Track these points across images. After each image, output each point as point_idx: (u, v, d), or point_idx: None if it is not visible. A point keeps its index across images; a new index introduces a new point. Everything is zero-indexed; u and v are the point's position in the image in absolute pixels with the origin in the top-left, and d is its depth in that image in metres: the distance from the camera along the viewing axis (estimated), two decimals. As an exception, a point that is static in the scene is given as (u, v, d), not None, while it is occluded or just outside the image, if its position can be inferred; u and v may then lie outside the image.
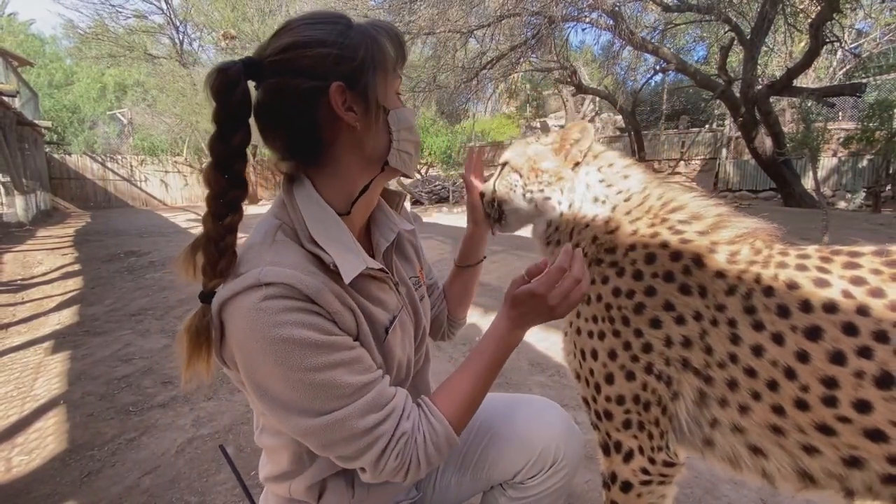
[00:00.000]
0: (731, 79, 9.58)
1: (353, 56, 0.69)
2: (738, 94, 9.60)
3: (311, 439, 0.69)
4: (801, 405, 0.70)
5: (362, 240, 0.84)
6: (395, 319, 0.81)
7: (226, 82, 0.65)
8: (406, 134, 0.78)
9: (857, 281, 0.69)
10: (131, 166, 16.11)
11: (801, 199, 9.68)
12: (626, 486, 0.89)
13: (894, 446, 0.63)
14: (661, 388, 0.83)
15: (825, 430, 0.69)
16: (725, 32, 10.44)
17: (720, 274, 0.79)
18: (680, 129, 16.40)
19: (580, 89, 12.57)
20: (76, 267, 5.64)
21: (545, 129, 18.86)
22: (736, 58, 11.51)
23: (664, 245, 0.85)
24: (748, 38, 9.15)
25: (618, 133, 17.69)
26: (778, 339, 0.72)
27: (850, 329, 0.67)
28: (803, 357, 0.70)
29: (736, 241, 0.83)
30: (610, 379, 0.87)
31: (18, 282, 5.03)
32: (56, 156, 14.99)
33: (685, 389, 0.82)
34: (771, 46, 10.86)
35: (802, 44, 11.15)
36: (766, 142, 9.71)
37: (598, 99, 16.11)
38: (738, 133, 10.89)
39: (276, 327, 0.63)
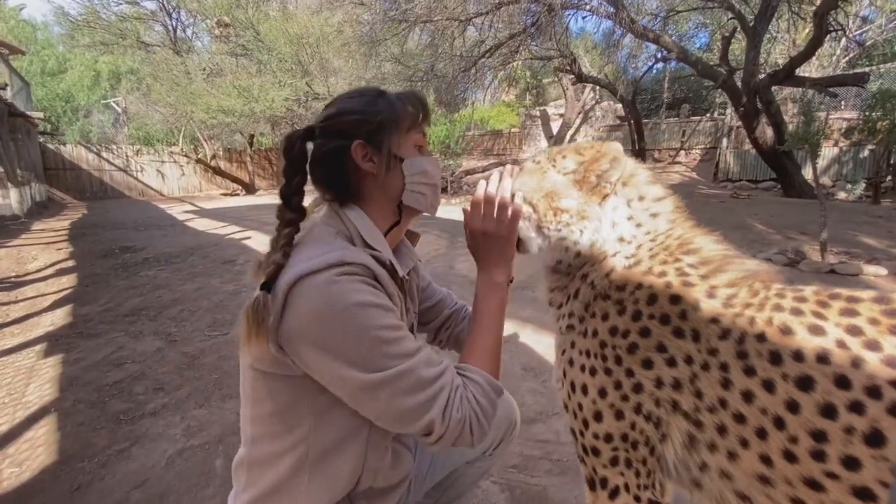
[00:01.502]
0: (732, 69, 9.45)
1: (374, 119, 0.88)
2: (739, 84, 9.47)
3: (382, 392, 0.75)
4: (790, 457, 0.68)
5: None
6: (412, 328, 1.01)
7: (289, 144, 0.88)
8: (419, 178, 0.93)
9: (853, 331, 0.67)
10: (127, 156, 15.97)
11: (802, 190, 9.63)
12: None
13: None
14: (650, 428, 0.82)
15: (813, 484, 0.67)
16: (728, 20, 10.26)
17: (715, 319, 0.77)
18: (681, 118, 16.24)
19: (580, 78, 12.40)
20: (70, 263, 5.61)
21: (545, 118, 18.67)
22: (738, 46, 11.33)
23: (668, 286, 0.82)
24: (751, 25, 8.99)
25: (618, 122, 17.53)
26: (769, 386, 0.70)
27: (842, 382, 0.64)
28: (793, 407, 0.67)
29: (735, 283, 0.81)
30: (598, 416, 0.86)
31: (13, 279, 5.01)
32: (51, 146, 14.83)
33: (674, 432, 0.80)
34: (774, 34, 10.69)
35: (806, 31, 10.97)
36: (767, 132, 9.62)
37: (598, 87, 15.92)
38: (740, 123, 10.79)
39: (353, 293, 0.75)
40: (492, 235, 0.93)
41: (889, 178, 9.72)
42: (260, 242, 6.46)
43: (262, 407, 0.85)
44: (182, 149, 15.86)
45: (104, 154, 15.56)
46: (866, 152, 10.53)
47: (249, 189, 16.83)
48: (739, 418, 0.72)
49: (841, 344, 0.66)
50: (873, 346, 0.64)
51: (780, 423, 0.68)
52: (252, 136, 17.43)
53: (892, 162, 9.57)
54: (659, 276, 0.84)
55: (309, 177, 0.90)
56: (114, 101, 20.56)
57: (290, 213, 0.86)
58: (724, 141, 13.03)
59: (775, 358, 0.70)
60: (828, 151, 10.81)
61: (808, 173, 10.06)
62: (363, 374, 0.74)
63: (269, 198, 14.26)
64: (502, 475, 1.77)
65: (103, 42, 16.17)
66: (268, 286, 0.77)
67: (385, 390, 0.75)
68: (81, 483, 1.80)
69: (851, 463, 0.63)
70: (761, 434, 0.70)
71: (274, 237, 0.85)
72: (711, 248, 0.88)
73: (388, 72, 12.39)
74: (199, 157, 16.30)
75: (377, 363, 0.75)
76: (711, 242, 0.89)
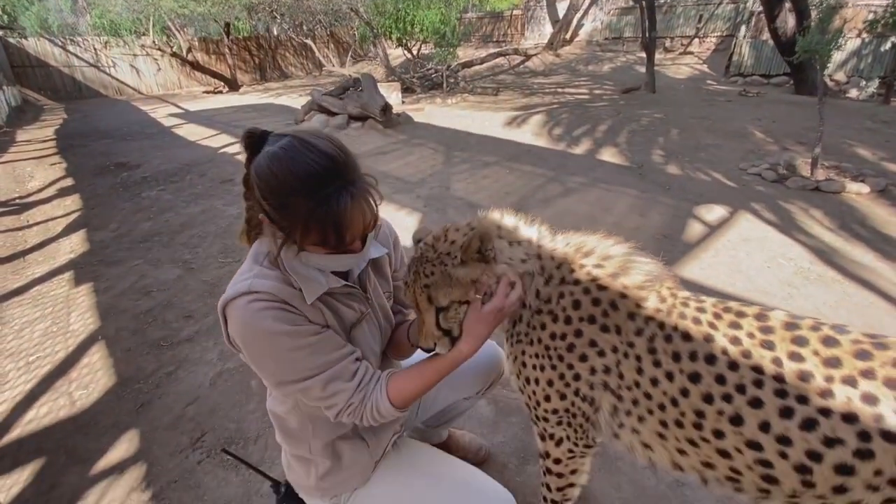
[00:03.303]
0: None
1: (281, 220, 0.92)
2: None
3: (293, 395, 1.02)
4: (679, 424, 0.94)
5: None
6: (361, 319, 1.12)
7: (248, 145, 0.96)
8: (315, 262, 1.00)
9: (735, 341, 0.88)
10: (95, 50, 14.67)
11: (815, 87, 9.17)
12: (557, 460, 1.23)
13: (735, 462, 0.89)
14: (586, 406, 1.09)
15: (692, 443, 0.94)
16: None
17: (631, 316, 0.99)
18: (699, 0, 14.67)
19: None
20: (69, 182, 5.64)
21: (550, -3, 16.78)
22: None
23: (586, 291, 1.03)
24: None
25: (631, 3, 15.84)
26: (670, 376, 0.94)
27: (720, 379, 0.87)
28: (685, 393, 0.92)
29: (644, 286, 1.00)
30: (547, 399, 1.13)
31: (17, 200, 5.10)
32: (12, 41, 13.54)
33: (604, 404, 1.07)
34: None
35: None
36: (788, 20, 8.86)
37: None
38: (761, 8, 9.86)
39: (259, 321, 0.93)
40: (491, 317, 1.05)
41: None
42: (255, 157, 6.39)
43: (267, 390, 1.12)
44: (154, 41, 14.51)
45: (70, 48, 14.28)
46: (888, 45, 9.82)
47: (232, 85, 15.81)
48: (647, 396, 0.98)
49: (724, 351, 0.88)
50: (746, 354, 0.86)
51: (674, 402, 0.94)
52: (228, 25, 15.86)
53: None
54: (574, 285, 1.04)
55: None
56: (66, -20, 18.14)
57: (252, 231, 1.05)
58: (743, 29, 11.99)
59: (676, 356, 0.93)
60: (850, 44, 10.05)
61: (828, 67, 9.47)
62: (276, 383, 1.00)
63: (255, 96, 13.50)
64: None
65: None
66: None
67: (294, 395, 1.03)
68: (143, 402, 2.18)
69: (719, 434, 0.89)
70: (661, 408, 0.96)
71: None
72: (606, 247, 1.06)
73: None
74: (173, 50, 14.99)
75: (286, 378, 0.98)
76: (602, 239, 1.08)
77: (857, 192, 4.31)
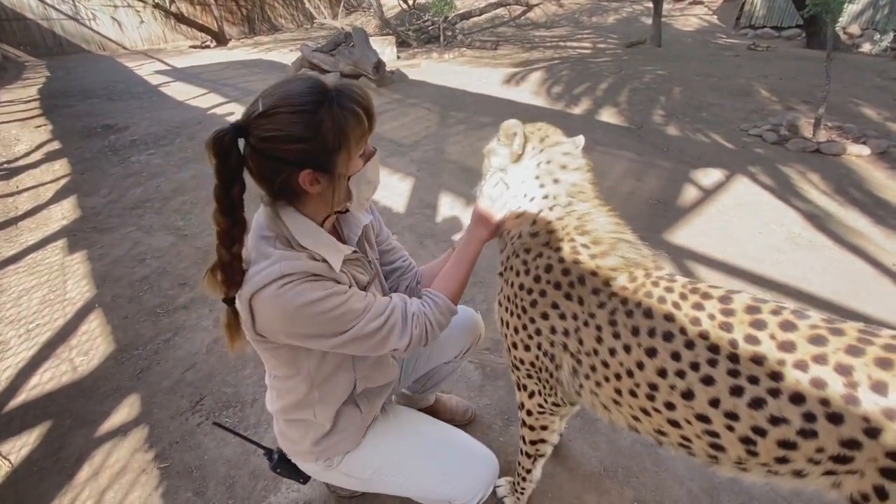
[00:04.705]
0: None
1: (322, 145, 0.89)
2: None
3: (351, 347, 1.01)
4: (633, 394, 0.99)
5: (333, 235, 1.11)
6: (371, 282, 1.17)
7: (222, 149, 0.86)
8: (365, 189, 1.03)
9: (695, 321, 0.90)
10: (73, 1, 13.94)
11: (826, 41, 8.82)
12: (529, 412, 1.32)
13: (685, 431, 0.94)
14: (547, 361, 1.16)
15: (645, 412, 0.99)
16: None
17: (596, 291, 1.03)
18: (713, -58, 13.81)
19: None
20: (56, 145, 5.53)
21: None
22: None
23: (561, 261, 1.08)
24: None
25: (639, -54, 14.90)
26: (627, 349, 0.98)
27: (675, 356, 0.91)
28: (641, 366, 0.96)
29: (617, 268, 1.04)
30: (515, 346, 1.21)
31: (5, 165, 5.02)
32: (-19, -10, 12.84)
33: (564, 364, 1.14)
34: None
35: None
36: (804, -32, 8.37)
37: None
38: (777, -47, 9.29)
39: (297, 297, 0.91)
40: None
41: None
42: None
43: (270, 360, 1.11)
44: (134, -10, 13.77)
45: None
46: (909, -6, 9.33)
47: (220, 39, 15.16)
48: (605, 364, 1.03)
49: (682, 330, 0.91)
50: (704, 335, 0.89)
51: (630, 374, 0.98)
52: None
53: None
54: (556, 251, 1.09)
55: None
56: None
57: (234, 228, 0.90)
58: (756, -24, 11.34)
59: (635, 331, 0.96)
60: (868, -8, 9.55)
61: (843, 19, 9.06)
62: (329, 339, 0.98)
63: (244, 51, 12.97)
64: (476, 356, 2.21)
65: None
66: (228, 302, 0.96)
67: (350, 345, 1.00)
68: (142, 367, 2.25)
69: (670, 406, 0.93)
70: (618, 377, 1.01)
71: (221, 255, 0.90)
72: (605, 230, 1.09)
73: None
74: (156, 1, 14.24)
75: (336, 331, 0.97)
76: (608, 223, 1.11)
77: (857, 154, 4.25)
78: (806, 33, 9.77)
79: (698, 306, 0.91)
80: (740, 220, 3.30)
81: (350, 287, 1.03)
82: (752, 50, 9.43)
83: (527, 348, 1.17)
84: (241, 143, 0.89)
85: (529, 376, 1.23)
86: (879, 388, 0.72)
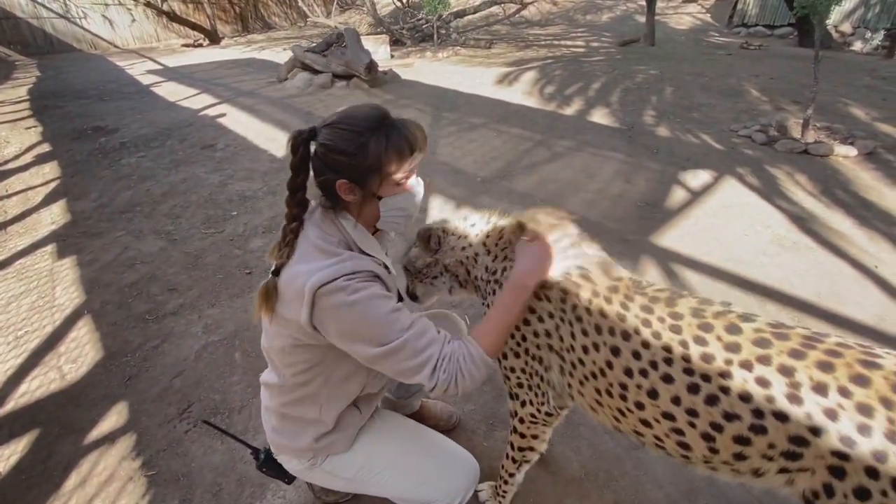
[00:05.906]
0: None
1: (362, 164, 1.03)
2: None
3: (389, 360, 1.03)
4: (609, 394, 1.03)
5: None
6: (400, 297, 1.27)
7: (295, 145, 1.05)
8: (394, 213, 1.13)
9: (646, 323, 0.96)
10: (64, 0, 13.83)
11: (820, 40, 8.86)
12: (521, 420, 1.34)
13: (656, 431, 0.98)
14: (536, 364, 1.20)
15: (621, 412, 1.04)
16: None
17: (564, 291, 1.10)
18: (706, -60, 13.83)
19: None
20: (46, 148, 5.50)
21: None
22: None
23: None
24: None
25: (633, -56, 14.89)
26: (596, 347, 1.02)
27: (636, 355, 0.95)
28: (610, 365, 1.00)
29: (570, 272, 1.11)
30: (505, 356, 1.25)
31: (-6, 168, 4.99)
32: (-30, -12, 12.71)
33: (553, 364, 1.18)
34: None
35: None
36: (795, -33, 8.41)
37: None
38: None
39: (362, 294, 1.00)
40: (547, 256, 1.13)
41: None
42: (236, 121, 6.22)
43: (294, 358, 1.15)
44: (125, -12, 13.66)
45: (36, -3, 13.43)
46: (899, -7, 9.40)
47: (213, 38, 15.07)
48: (581, 362, 1.07)
49: (637, 331, 0.96)
50: (656, 335, 0.94)
51: (602, 373, 1.03)
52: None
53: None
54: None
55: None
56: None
57: (296, 208, 1.07)
58: (748, -26, 11.38)
59: (598, 330, 1.01)
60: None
61: (834, 16, 9.10)
62: (376, 348, 1.01)
63: (237, 50, 12.91)
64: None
65: None
66: (277, 272, 1.06)
67: (390, 358, 1.02)
68: (131, 375, 2.26)
69: (640, 405, 0.97)
70: (594, 376, 1.05)
71: (284, 228, 1.08)
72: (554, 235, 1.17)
73: None
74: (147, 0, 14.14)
75: (385, 339, 1.01)
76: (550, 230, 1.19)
77: (844, 155, 4.29)
78: (798, 32, 9.83)
79: (647, 309, 0.97)
80: (727, 223, 3.33)
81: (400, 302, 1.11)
82: (744, 49, 9.48)
83: (516, 355, 1.21)
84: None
85: (521, 385, 1.26)
86: (820, 389, 0.78)
